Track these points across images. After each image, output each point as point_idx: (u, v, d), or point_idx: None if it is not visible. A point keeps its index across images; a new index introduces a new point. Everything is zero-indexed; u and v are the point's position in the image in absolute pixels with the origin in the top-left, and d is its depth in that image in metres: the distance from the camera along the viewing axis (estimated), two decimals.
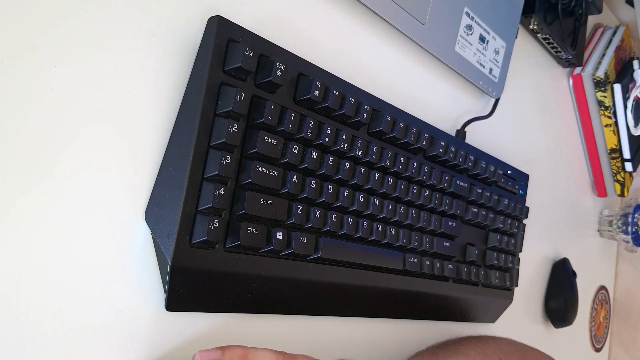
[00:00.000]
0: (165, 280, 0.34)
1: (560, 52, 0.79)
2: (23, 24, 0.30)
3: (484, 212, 0.59)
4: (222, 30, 0.35)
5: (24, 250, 0.30)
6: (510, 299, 0.66)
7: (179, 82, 0.36)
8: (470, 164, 0.56)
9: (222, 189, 0.35)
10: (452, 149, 0.53)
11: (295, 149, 0.39)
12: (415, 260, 0.49)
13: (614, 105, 0.86)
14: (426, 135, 0.50)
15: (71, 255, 0.32)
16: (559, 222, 0.86)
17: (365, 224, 0.44)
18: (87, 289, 0.32)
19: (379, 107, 0.46)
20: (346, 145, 0.42)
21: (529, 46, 0.76)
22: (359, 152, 0.44)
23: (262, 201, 0.37)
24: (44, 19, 0.31)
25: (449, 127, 0.61)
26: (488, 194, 0.59)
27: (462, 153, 0.54)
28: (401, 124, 0.47)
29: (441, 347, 0.52)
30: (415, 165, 0.49)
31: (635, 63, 0.90)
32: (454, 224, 0.54)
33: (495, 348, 0.51)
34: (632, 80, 0.88)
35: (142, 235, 0.35)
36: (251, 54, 0.36)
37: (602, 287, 1.02)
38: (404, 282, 0.49)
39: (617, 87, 0.85)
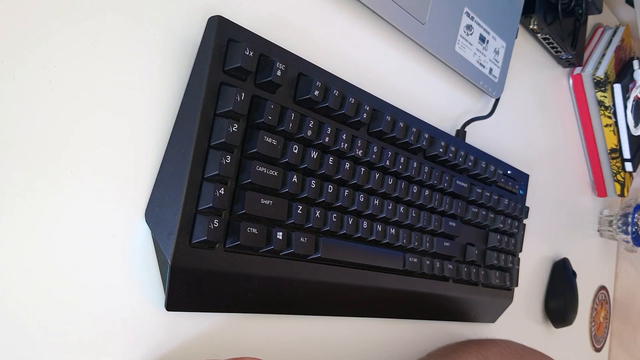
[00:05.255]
0: (165, 280, 0.34)
1: (560, 52, 0.79)
2: (23, 23, 0.30)
3: (484, 212, 0.59)
4: (222, 30, 0.35)
5: (24, 250, 0.30)
6: (510, 299, 0.66)
7: (179, 82, 0.36)
8: (470, 164, 0.56)
9: (222, 189, 0.35)
10: (452, 149, 0.53)
11: (295, 149, 0.39)
12: (415, 260, 0.49)
13: (614, 105, 0.86)
14: (426, 135, 0.50)
15: (71, 256, 0.32)
16: (559, 222, 0.86)
17: (365, 224, 0.44)
18: (87, 289, 0.32)
19: (379, 107, 0.46)
20: (346, 145, 0.42)
21: (529, 46, 0.76)
22: (359, 152, 0.44)
23: (262, 201, 0.37)
24: (44, 19, 0.31)
25: (449, 127, 0.61)
26: (488, 194, 0.59)
27: (462, 153, 0.54)
28: (401, 124, 0.47)
29: (441, 354, 0.51)
30: (415, 165, 0.49)
31: (635, 63, 0.90)
32: (454, 224, 0.54)
33: (495, 352, 0.51)
34: (632, 80, 0.88)
35: (142, 235, 0.35)
36: (251, 54, 0.36)
37: (602, 287, 1.02)
38: (404, 282, 0.49)
39: (617, 87, 0.85)
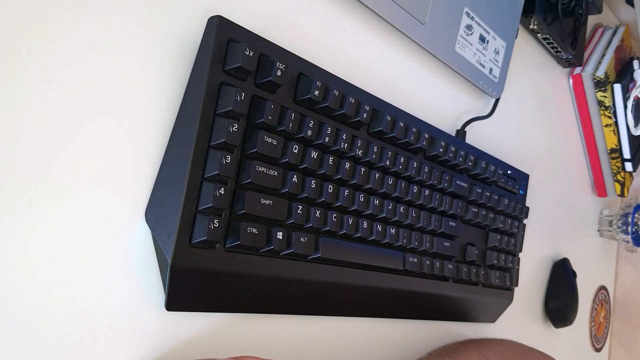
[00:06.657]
0: (165, 280, 0.34)
1: (560, 52, 0.79)
2: (23, 23, 0.30)
3: (484, 212, 0.59)
4: (222, 30, 0.35)
5: (23, 250, 0.30)
6: (510, 299, 0.66)
7: (179, 82, 0.36)
8: (470, 164, 0.56)
9: (222, 188, 0.35)
10: (452, 149, 0.53)
11: (295, 148, 0.39)
12: (415, 260, 0.49)
13: (614, 105, 0.86)
14: (426, 135, 0.50)
15: (71, 256, 0.32)
16: (559, 222, 0.86)
17: (365, 224, 0.44)
18: (87, 288, 0.32)
19: (379, 107, 0.46)
20: (346, 145, 0.42)
21: (529, 46, 0.76)
22: (359, 152, 0.44)
23: (262, 201, 0.37)
24: (44, 19, 0.31)
25: (449, 127, 0.61)
26: (488, 194, 0.59)
27: (462, 153, 0.54)
28: (401, 124, 0.47)
29: (441, 353, 0.51)
30: (415, 165, 0.49)
31: (635, 63, 0.90)
32: (454, 224, 0.54)
33: (495, 351, 0.51)
34: (632, 80, 0.88)
35: (142, 235, 0.35)
36: (251, 53, 0.36)
37: (602, 287, 1.02)
38: (404, 282, 0.49)
39: (617, 87, 0.85)
